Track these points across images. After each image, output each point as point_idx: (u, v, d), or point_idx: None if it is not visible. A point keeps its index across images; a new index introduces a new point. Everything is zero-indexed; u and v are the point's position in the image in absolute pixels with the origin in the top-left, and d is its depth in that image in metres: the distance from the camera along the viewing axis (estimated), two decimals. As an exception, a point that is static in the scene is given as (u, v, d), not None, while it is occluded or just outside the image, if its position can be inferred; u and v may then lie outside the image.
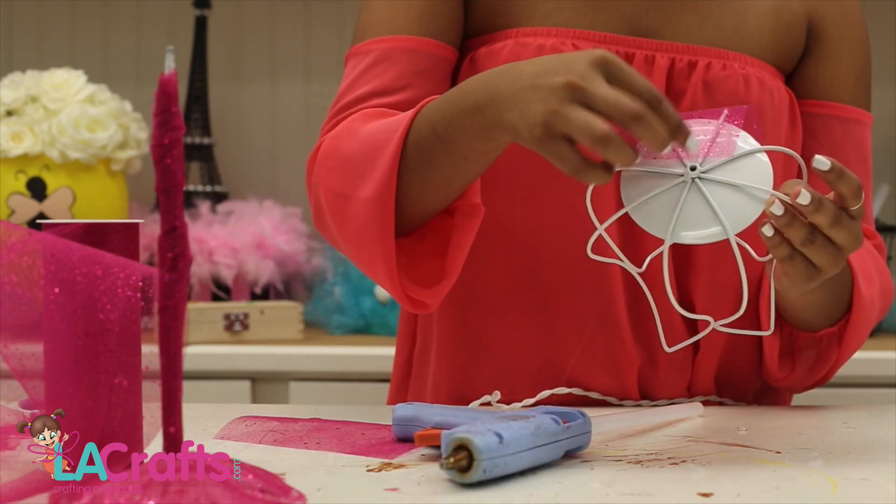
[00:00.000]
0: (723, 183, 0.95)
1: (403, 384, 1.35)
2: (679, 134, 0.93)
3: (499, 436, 0.84)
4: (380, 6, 1.23)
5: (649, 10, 1.24)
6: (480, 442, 0.83)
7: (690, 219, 0.95)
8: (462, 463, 0.83)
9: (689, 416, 1.12)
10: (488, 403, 1.16)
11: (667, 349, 1.03)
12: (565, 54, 0.98)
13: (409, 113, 1.09)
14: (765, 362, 1.26)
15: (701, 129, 0.97)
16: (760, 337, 1.28)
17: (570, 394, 1.22)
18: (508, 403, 1.15)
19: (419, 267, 1.13)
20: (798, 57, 1.30)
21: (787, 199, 0.94)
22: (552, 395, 1.20)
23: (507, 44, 1.22)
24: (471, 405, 1.16)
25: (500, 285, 1.23)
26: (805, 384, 1.28)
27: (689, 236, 0.95)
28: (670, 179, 0.96)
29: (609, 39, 1.22)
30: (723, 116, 0.98)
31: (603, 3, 1.23)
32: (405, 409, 1.00)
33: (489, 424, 0.85)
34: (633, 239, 1.19)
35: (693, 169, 0.96)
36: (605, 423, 1.02)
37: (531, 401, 1.18)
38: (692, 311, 1.23)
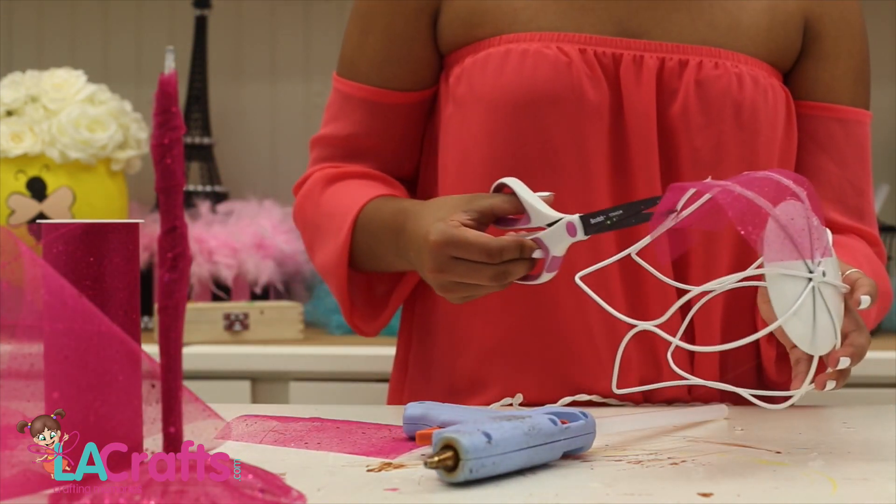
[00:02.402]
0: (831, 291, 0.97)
1: (401, 385, 1.35)
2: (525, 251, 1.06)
3: (487, 436, 0.84)
4: (352, 41, 1.32)
5: (638, 9, 1.23)
6: (467, 442, 0.83)
7: (820, 330, 0.96)
8: (448, 462, 0.83)
9: (715, 419, 1.11)
10: (510, 405, 1.16)
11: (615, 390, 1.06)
12: (415, 243, 1.14)
13: (350, 217, 1.25)
14: (764, 369, 1.25)
15: (789, 212, 0.95)
16: (767, 339, 1.28)
17: (589, 401, 1.21)
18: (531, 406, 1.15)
19: (374, 301, 1.33)
20: (795, 56, 1.29)
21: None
22: (573, 401, 1.19)
23: (490, 52, 1.22)
24: (491, 406, 1.17)
25: (502, 291, 1.23)
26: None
27: (824, 348, 0.96)
28: (800, 282, 0.94)
29: (595, 41, 1.21)
30: (805, 199, 0.96)
31: (589, 5, 1.22)
32: (415, 408, 1.00)
33: (480, 424, 0.85)
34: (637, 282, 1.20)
35: (818, 273, 0.95)
36: (624, 423, 1.02)
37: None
38: (691, 323, 1.23)
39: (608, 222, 1.06)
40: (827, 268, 0.96)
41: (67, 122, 2.17)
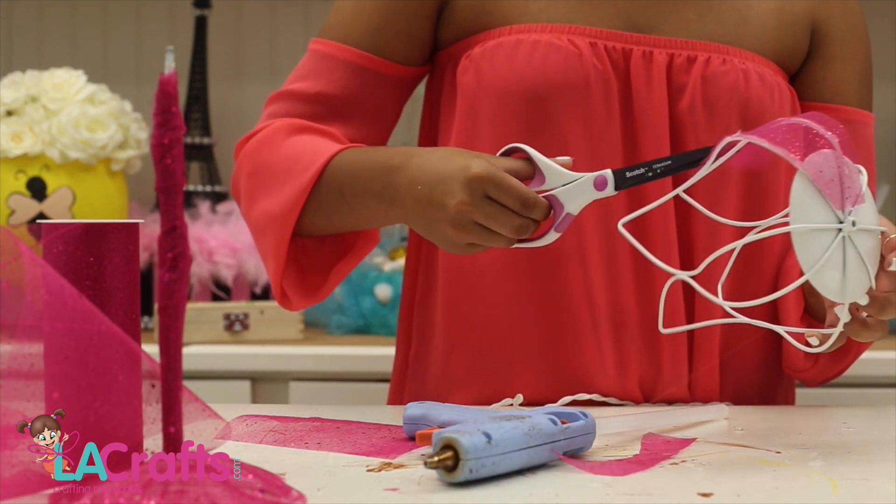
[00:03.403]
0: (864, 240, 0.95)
1: (401, 385, 1.35)
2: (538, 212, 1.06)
3: (487, 436, 0.84)
4: (346, 9, 1.28)
5: (647, 6, 1.24)
6: (467, 442, 0.82)
7: (851, 279, 0.94)
8: (448, 462, 0.83)
9: (716, 419, 1.11)
10: (510, 405, 1.16)
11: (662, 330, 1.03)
12: (443, 173, 1.08)
13: (321, 160, 1.18)
14: (789, 354, 1.25)
15: (818, 163, 0.93)
16: (768, 334, 1.28)
17: (589, 400, 1.21)
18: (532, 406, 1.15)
19: (306, 275, 1.24)
20: (802, 57, 1.30)
21: None
22: (573, 400, 1.19)
23: (501, 42, 1.21)
24: (492, 406, 1.16)
25: (503, 286, 1.23)
26: (826, 376, 1.27)
27: (854, 296, 0.94)
28: (830, 233, 0.93)
29: (605, 35, 1.21)
30: (837, 145, 0.94)
31: (598, 0, 1.23)
32: (415, 408, 1.00)
33: (480, 424, 0.85)
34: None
35: (848, 223, 0.94)
36: (624, 423, 1.02)
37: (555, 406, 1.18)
38: (692, 318, 1.23)
39: (649, 174, 1.04)
40: (859, 215, 0.94)
41: (67, 122, 2.17)
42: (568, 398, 1.18)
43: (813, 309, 1.23)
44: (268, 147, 1.24)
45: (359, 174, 1.16)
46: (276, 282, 1.23)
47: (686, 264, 1.22)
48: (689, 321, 1.23)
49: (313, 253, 1.25)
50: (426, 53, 1.29)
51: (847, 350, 1.24)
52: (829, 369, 1.26)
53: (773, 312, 1.25)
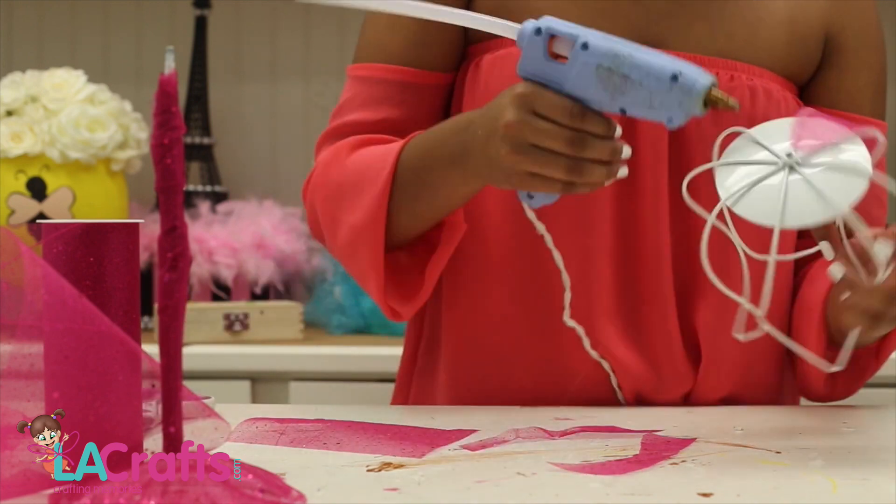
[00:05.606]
0: (821, 168, 0.93)
1: (408, 377, 1.35)
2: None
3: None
4: (379, 26, 1.27)
5: (659, 17, 1.23)
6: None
7: (794, 204, 0.93)
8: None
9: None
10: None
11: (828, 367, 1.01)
12: (492, 103, 1.07)
13: (393, 154, 1.16)
14: (809, 381, 1.24)
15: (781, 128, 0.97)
16: (783, 355, 1.28)
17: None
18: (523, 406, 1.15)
19: (404, 282, 1.21)
20: (813, 69, 1.28)
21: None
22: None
23: (511, 51, 1.21)
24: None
25: (504, 292, 1.23)
26: (845, 396, 1.27)
27: (798, 220, 0.93)
28: (766, 168, 0.94)
29: None
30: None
31: (610, 11, 1.22)
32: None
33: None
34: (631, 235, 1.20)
35: (789, 156, 0.95)
36: None
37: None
38: (694, 333, 1.22)
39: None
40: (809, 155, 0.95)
41: (67, 122, 2.17)
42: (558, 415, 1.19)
43: (837, 340, 1.22)
44: (335, 168, 1.23)
45: (431, 149, 1.15)
46: (382, 298, 1.20)
47: (681, 275, 1.22)
48: (682, 321, 1.23)
49: (405, 260, 1.23)
50: (461, 56, 1.28)
51: (865, 370, 1.23)
52: (848, 388, 1.25)
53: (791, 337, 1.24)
